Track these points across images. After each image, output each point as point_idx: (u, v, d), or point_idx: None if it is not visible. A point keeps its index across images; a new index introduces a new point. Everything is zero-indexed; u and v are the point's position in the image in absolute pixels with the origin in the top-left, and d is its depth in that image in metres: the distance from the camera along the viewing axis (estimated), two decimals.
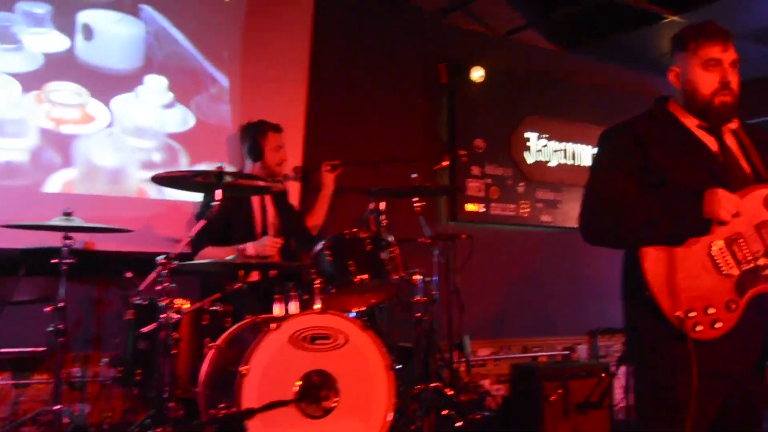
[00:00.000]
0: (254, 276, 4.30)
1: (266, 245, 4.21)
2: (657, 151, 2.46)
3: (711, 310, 2.29)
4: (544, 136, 6.68)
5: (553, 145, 6.74)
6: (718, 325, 2.29)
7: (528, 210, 6.51)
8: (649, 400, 2.46)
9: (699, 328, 2.28)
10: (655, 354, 2.42)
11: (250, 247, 4.23)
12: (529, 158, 6.58)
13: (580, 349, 6.76)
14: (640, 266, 2.36)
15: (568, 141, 6.83)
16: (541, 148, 6.67)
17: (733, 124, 2.55)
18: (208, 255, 4.26)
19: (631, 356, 2.56)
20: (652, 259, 2.35)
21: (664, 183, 2.43)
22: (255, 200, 4.53)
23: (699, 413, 2.28)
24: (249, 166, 4.65)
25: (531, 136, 6.62)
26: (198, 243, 4.29)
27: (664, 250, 2.36)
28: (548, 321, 6.58)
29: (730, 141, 2.53)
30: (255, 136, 4.62)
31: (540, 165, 6.64)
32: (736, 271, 2.34)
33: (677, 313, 2.29)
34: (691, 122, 2.53)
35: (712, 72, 2.44)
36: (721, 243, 2.36)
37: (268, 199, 4.58)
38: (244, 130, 4.74)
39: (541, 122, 6.69)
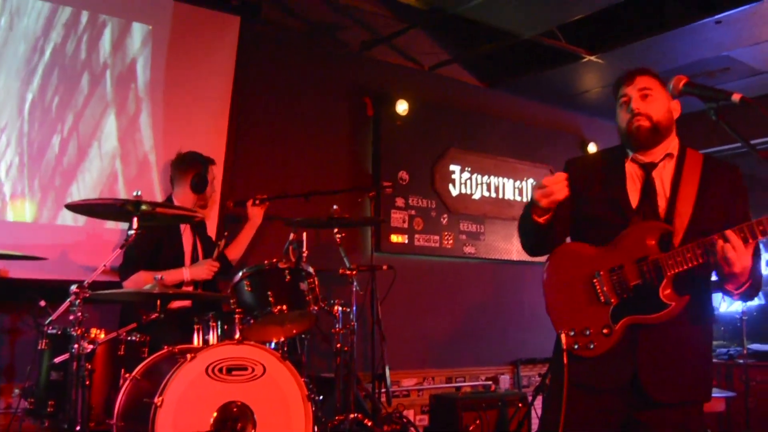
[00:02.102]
0: (174, 304, 4.27)
1: (205, 268, 4.21)
2: (583, 185, 2.70)
3: (587, 332, 2.56)
4: (467, 169, 6.81)
5: (477, 178, 6.87)
6: (592, 346, 2.54)
7: (451, 241, 6.60)
8: (545, 403, 2.84)
9: (576, 346, 2.56)
10: (552, 366, 2.81)
11: (188, 271, 4.23)
12: (453, 191, 6.69)
13: (503, 379, 6.85)
14: (543, 290, 2.70)
15: (490, 174, 6.98)
16: (465, 181, 6.79)
17: (695, 160, 2.68)
18: (140, 281, 4.22)
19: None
20: (551, 281, 2.68)
21: (578, 215, 2.72)
22: (184, 228, 4.52)
23: (573, 422, 2.52)
24: (180, 196, 4.59)
25: (455, 168, 6.73)
26: (127, 269, 4.26)
27: (561, 274, 2.67)
28: (472, 351, 6.66)
29: (665, 177, 2.66)
30: (201, 168, 4.57)
31: (464, 197, 6.76)
32: (613, 301, 2.56)
33: (561, 330, 2.59)
34: (630, 161, 2.72)
35: (624, 107, 2.67)
36: (603, 273, 2.59)
37: (189, 228, 4.55)
38: (187, 160, 4.64)
39: (464, 155, 6.81)
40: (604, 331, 2.54)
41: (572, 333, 2.56)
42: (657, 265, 2.50)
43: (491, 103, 7.19)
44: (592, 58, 6.15)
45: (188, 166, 4.59)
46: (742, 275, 2.40)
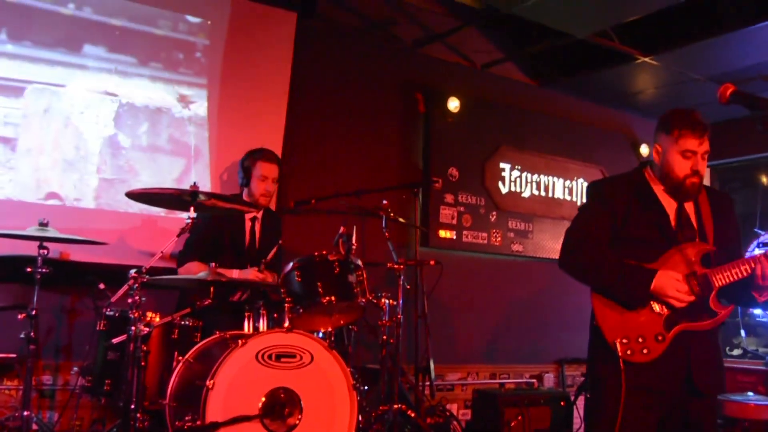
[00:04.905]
0: (236, 296, 4.39)
1: (250, 277, 4.29)
2: (623, 208, 3.00)
3: (641, 339, 2.86)
4: (517, 167, 6.83)
5: (526, 176, 6.89)
6: (646, 351, 2.85)
7: (499, 239, 6.63)
8: (592, 410, 3.05)
9: (629, 352, 2.85)
10: (598, 373, 2.99)
11: (236, 274, 4.32)
12: (503, 188, 6.72)
13: (547, 377, 6.87)
14: (592, 302, 2.97)
15: (540, 173, 6.98)
16: (515, 179, 6.81)
17: (701, 191, 3.05)
18: (191, 271, 4.36)
19: (588, 374, 3.12)
20: (600, 297, 2.96)
21: (623, 234, 2.99)
22: (247, 221, 4.63)
23: (630, 422, 2.81)
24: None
25: (505, 166, 6.76)
26: (183, 257, 4.40)
27: None
28: (517, 348, 6.69)
29: (689, 207, 3.05)
30: (246, 162, 4.70)
31: (513, 195, 6.78)
32: (665, 311, 2.90)
33: (614, 339, 2.86)
34: (658, 188, 3.05)
35: (688, 160, 2.94)
36: None
37: (256, 221, 4.67)
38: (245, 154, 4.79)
39: (515, 153, 6.83)
40: (658, 338, 2.86)
41: (626, 341, 2.85)
42: (706, 279, 2.87)
43: (543, 101, 7.18)
44: (647, 59, 6.12)
45: (243, 159, 4.71)
46: None
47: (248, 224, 4.63)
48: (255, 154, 4.70)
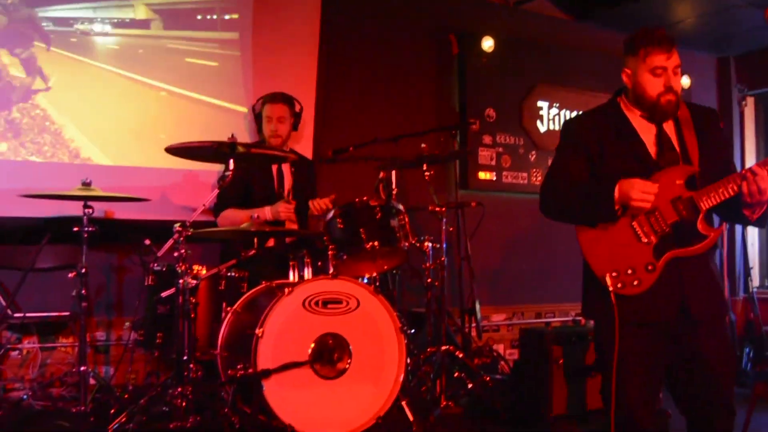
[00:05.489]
0: (269, 242, 4.43)
1: (280, 210, 4.34)
2: (597, 143, 2.89)
3: (630, 271, 2.76)
4: (555, 104, 6.73)
5: (565, 113, 6.79)
6: (637, 283, 2.75)
7: (540, 178, 6.56)
8: (597, 348, 2.99)
9: (620, 285, 2.76)
10: (594, 309, 2.92)
11: (267, 211, 4.36)
12: (541, 127, 6.63)
13: None
14: (577, 237, 2.89)
15: (580, 109, 6.85)
16: (554, 117, 6.72)
17: (683, 108, 2.91)
18: (228, 217, 4.42)
19: (582, 312, 3.00)
20: (585, 231, 2.88)
21: (603, 171, 2.87)
22: (274, 168, 4.66)
23: (628, 357, 2.74)
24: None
25: (543, 104, 6.66)
26: (218, 207, 4.46)
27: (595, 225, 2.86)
28: (561, 287, 6.65)
29: (669, 128, 2.91)
30: (255, 107, 4.81)
31: (552, 134, 6.68)
32: (653, 239, 2.78)
33: (604, 274, 2.77)
34: (634, 115, 2.91)
35: (659, 78, 2.81)
36: (639, 216, 2.79)
37: (286, 166, 4.69)
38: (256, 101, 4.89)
39: (552, 91, 6.72)
40: (648, 267, 2.75)
41: (615, 274, 2.76)
42: (692, 202, 2.75)
43: (579, 36, 7.03)
44: None
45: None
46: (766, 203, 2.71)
47: (275, 168, 4.66)
48: (263, 97, 4.76)
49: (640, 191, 2.68)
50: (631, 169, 2.79)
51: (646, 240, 2.77)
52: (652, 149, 2.87)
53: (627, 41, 2.91)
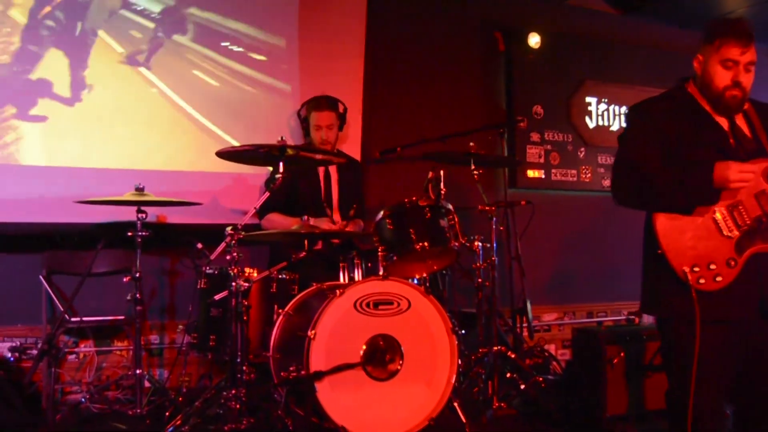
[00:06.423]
0: (319, 245, 4.44)
1: (324, 226, 4.31)
2: (675, 130, 2.77)
3: (713, 266, 2.64)
4: (604, 100, 6.64)
5: (614, 109, 6.69)
6: (719, 279, 2.63)
7: (589, 175, 6.50)
8: (666, 347, 2.87)
9: (702, 281, 2.63)
10: (664, 305, 2.78)
11: (311, 222, 4.36)
12: (590, 123, 6.55)
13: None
14: (654, 228, 2.71)
15: (629, 104, 6.73)
16: (602, 113, 6.63)
17: (747, 104, 2.83)
18: (274, 220, 4.44)
19: (646, 309, 2.89)
20: (664, 221, 2.71)
21: (679, 159, 2.74)
22: (320, 171, 4.67)
23: (707, 356, 2.61)
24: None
25: (591, 100, 6.58)
26: (262, 211, 4.48)
27: (674, 218, 2.71)
28: (613, 286, 6.57)
29: (740, 121, 2.82)
30: (301, 112, 4.83)
31: (601, 130, 6.60)
32: (736, 234, 2.68)
33: (683, 268, 2.64)
34: (706, 104, 2.82)
35: (729, 71, 2.73)
36: (723, 209, 2.69)
37: (333, 170, 4.70)
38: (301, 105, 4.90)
39: (601, 87, 6.64)
40: (730, 263, 2.65)
41: (696, 269, 2.64)
42: None
43: (627, 31, 6.93)
44: None
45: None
46: None
47: (322, 172, 4.66)
48: (309, 103, 4.77)
49: (738, 171, 2.60)
50: (711, 159, 2.69)
51: (729, 234, 2.67)
52: (731, 140, 2.78)
53: (705, 27, 2.83)
